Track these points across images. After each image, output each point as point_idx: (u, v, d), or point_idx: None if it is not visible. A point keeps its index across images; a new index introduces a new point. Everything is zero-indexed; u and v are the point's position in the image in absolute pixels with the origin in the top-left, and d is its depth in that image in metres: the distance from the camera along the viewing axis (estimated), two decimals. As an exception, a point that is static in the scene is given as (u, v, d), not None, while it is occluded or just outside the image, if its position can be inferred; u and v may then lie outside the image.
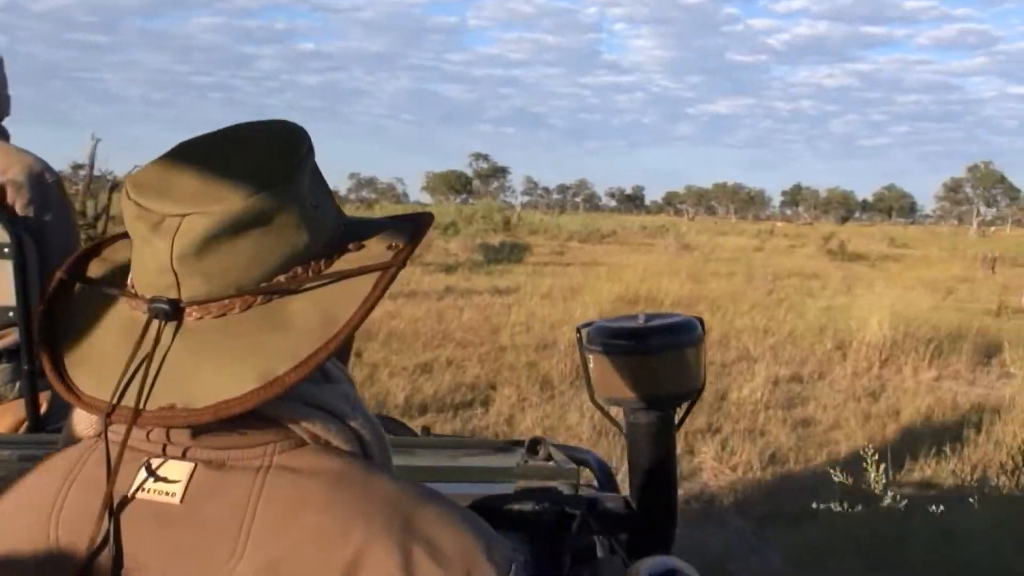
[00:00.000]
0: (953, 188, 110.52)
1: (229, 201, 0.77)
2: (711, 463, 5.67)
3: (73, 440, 0.88)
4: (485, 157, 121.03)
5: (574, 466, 1.58)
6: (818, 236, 37.57)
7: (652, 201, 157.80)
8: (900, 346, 9.04)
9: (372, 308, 0.80)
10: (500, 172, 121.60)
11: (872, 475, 5.00)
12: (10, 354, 2.22)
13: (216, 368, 0.77)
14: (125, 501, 0.78)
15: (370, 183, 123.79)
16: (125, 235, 0.88)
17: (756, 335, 9.97)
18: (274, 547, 0.75)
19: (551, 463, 1.55)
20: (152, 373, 0.78)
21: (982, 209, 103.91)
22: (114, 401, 0.78)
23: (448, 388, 7.26)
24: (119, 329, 0.83)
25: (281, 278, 0.80)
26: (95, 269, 0.91)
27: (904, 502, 4.85)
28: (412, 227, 0.88)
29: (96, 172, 15.26)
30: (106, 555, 0.77)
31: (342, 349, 0.82)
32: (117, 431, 0.80)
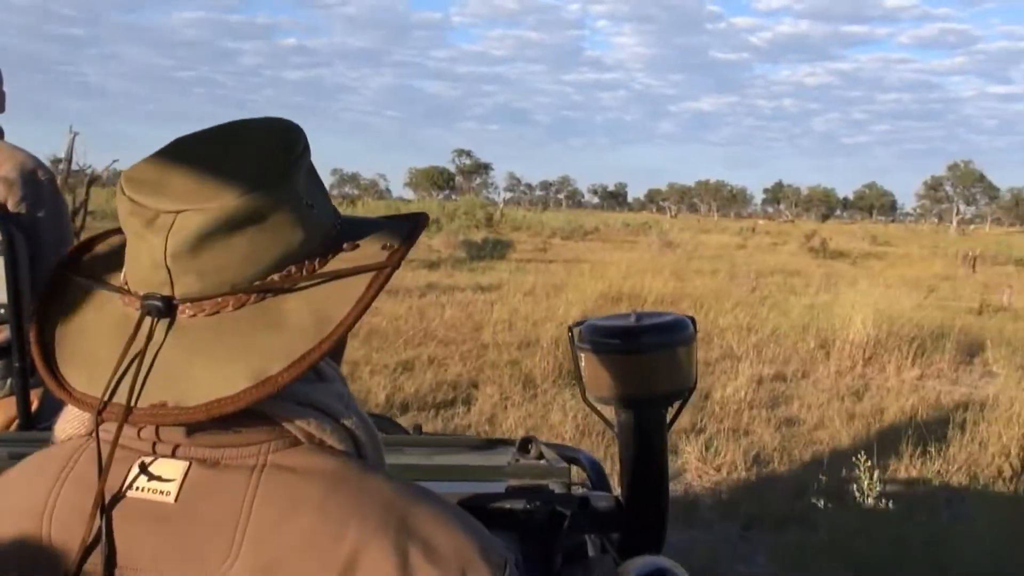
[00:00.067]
0: (933, 186, 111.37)
1: (224, 198, 0.77)
2: (695, 463, 5.65)
3: (64, 438, 0.87)
4: (468, 153, 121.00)
5: (565, 465, 1.58)
6: (800, 234, 37.81)
7: (635, 198, 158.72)
8: (883, 344, 9.04)
9: (366, 308, 0.79)
10: (483, 168, 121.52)
11: (858, 476, 5.02)
12: (1, 351, 2.20)
13: (209, 366, 0.77)
14: (118, 499, 0.78)
15: (353, 179, 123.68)
16: (118, 230, 0.87)
17: (740, 333, 9.96)
18: (270, 547, 0.74)
19: (543, 462, 1.55)
20: (144, 370, 0.77)
21: (962, 207, 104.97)
22: (105, 398, 0.78)
23: (430, 387, 7.21)
24: (111, 326, 0.82)
25: (275, 277, 0.80)
26: (88, 265, 0.90)
27: (889, 502, 4.87)
28: (407, 227, 0.88)
29: (74, 167, 15.19)
30: (99, 554, 0.77)
31: (336, 348, 0.82)
32: (109, 429, 0.79)
